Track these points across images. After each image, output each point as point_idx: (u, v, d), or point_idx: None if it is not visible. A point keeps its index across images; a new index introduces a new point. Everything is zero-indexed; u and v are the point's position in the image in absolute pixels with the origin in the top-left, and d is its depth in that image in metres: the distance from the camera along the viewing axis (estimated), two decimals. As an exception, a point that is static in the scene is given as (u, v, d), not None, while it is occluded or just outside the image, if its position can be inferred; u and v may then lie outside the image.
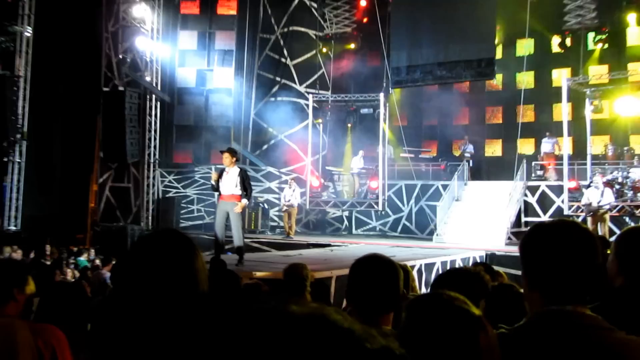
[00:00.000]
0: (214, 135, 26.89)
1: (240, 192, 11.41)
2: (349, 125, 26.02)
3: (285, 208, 21.37)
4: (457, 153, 27.01)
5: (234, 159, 11.52)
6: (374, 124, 23.39)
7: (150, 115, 25.60)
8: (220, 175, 11.53)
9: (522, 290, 2.79)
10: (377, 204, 22.61)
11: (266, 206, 24.31)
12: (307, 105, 24.14)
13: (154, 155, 25.84)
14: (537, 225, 2.29)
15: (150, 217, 25.45)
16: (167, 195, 25.80)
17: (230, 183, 11.45)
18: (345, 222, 25.48)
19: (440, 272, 5.14)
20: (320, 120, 25.12)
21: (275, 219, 24.72)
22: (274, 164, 26.22)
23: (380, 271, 2.99)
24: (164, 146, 26.82)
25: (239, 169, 11.58)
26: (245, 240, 14.63)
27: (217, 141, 25.95)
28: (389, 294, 2.95)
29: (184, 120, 28.03)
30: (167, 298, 1.94)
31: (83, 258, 16.94)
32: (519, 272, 2.35)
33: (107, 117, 23.75)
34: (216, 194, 12.56)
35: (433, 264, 14.20)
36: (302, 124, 25.53)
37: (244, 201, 11.41)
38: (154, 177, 25.84)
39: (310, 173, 23.58)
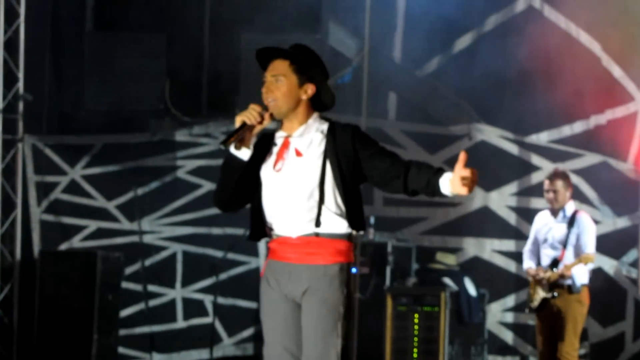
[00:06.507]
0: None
1: (341, 224, 2.96)
2: None
3: (538, 300, 5.85)
4: None
5: (309, 87, 2.98)
6: None
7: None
8: (264, 143, 3.07)
9: None
10: None
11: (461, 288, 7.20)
12: None
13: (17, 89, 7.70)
14: None
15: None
16: (60, 248, 7.92)
17: (300, 181, 2.96)
18: None
19: None
20: None
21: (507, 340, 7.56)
22: (489, 112, 7.82)
23: None
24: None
25: (327, 126, 3.02)
26: None
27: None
28: None
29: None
30: None
31: None
32: None
33: None
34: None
35: None
36: None
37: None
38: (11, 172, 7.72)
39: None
